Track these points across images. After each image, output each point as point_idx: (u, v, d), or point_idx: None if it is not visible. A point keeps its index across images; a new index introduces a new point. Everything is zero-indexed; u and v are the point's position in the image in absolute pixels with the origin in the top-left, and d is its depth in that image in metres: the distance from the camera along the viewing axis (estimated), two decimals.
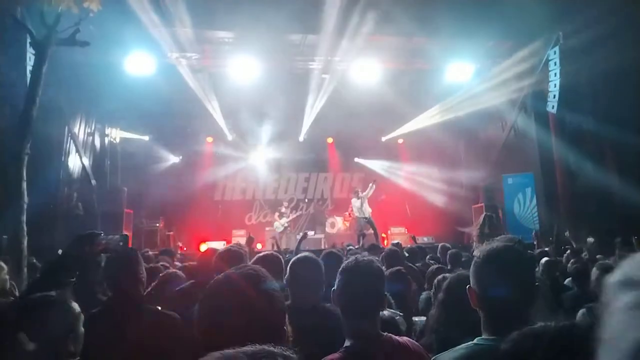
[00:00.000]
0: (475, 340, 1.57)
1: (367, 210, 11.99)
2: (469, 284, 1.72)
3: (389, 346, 1.78)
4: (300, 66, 11.30)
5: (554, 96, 9.85)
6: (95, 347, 1.98)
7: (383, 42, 10.74)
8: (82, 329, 1.91)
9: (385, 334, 1.82)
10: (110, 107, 11.21)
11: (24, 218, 4.35)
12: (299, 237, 8.45)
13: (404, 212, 14.02)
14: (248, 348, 0.85)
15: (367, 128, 13.77)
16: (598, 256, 4.68)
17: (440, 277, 3.11)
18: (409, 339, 1.91)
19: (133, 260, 2.62)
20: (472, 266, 1.66)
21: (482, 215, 4.18)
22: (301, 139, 14.38)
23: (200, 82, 11.47)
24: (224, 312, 1.19)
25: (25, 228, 4.29)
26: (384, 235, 12.91)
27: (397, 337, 1.84)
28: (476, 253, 1.70)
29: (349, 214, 12.96)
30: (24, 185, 4.43)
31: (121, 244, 2.65)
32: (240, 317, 1.17)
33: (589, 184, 9.03)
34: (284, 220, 13.12)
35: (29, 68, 7.37)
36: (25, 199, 4.40)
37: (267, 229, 13.56)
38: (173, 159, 14.06)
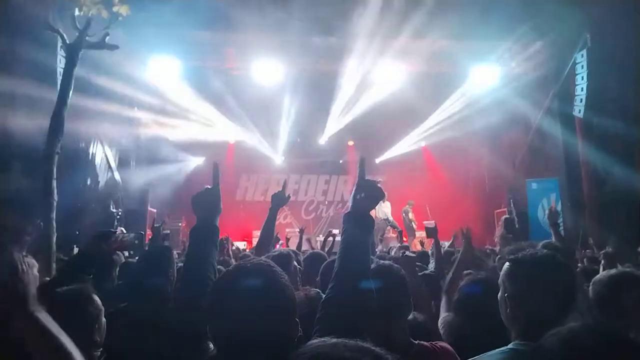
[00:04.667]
0: (511, 345, 1.56)
1: (385, 211, 11.99)
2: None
3: (422, 354, 1.78)
4: (324, 69, 11.32)
5: (581, 100, 9.63)
6: (118, 342, 2.03)
7: (406, 45, 10.68)
8: (104, 321, 1.98)
9: (417, 342, 1.81)
10: (135, 108, 11.44)
11: (54, 215, 4.49)
12: (319, 239, 8.49)
13: (425, 214, 13.88)
14: (345, 342, 0.84)
15: (389, 131, 13.74)
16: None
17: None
18: (443, 343, 1.89)
19: (164, 258, 2.65)
20: (506, 273, 1.65)
21: (502, 219, 4.14)
22: (322, 142, 14.42)
23: (223, 84, 11.62)
24: (235, 302, 1.20)
25: (54, 225, 4.43)
26: (405, 239, 12.82)
27: (427, 344, 1.82)
28: (509, 259, 1.67)
29: None
30: (54, 183, 4.58)
31: (136, 242, 2.69)
32: (251, 309, 1.19)
33: (617, 190, 8.79)
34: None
35: (59, 70, 7.62)
36: (55, 196, 4.55)
37: (287, 230, 13.61)
38: (196, 160, 14.27)
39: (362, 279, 1.40)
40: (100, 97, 9.47)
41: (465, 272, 3.03)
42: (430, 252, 6.86)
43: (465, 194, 13.95)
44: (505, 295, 1.62)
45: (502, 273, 1.68)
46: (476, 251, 5.74)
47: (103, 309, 1.95)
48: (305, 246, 6.90)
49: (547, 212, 3.81)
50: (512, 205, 10.48)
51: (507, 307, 1.60)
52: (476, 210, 13.05)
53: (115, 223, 8.84)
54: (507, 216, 4.56)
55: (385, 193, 11.10)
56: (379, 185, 1.51)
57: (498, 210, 12.39)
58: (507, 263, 1.67)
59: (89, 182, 9.75)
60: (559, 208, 10.25)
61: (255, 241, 12.64)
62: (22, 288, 1.20)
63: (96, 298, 1.97)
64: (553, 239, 3.68)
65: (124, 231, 2.49)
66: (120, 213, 9.57)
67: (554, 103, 10.68)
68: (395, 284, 1.84)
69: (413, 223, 12.92)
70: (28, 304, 1.21)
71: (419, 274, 3.24)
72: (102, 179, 10.48)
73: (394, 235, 12.41)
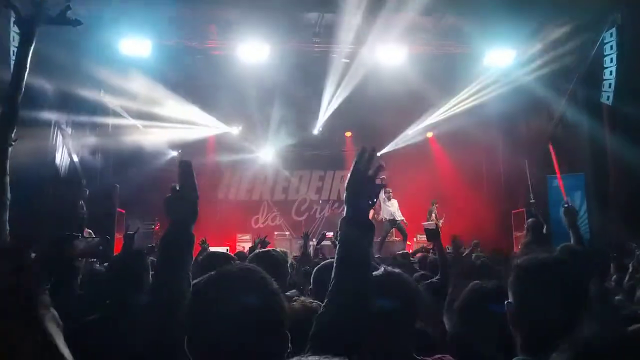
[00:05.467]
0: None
1: (389, 211, 12.01)
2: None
3: None
4: (317, 50, 11.28)
5: (610, 85, 9.67)
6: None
7: (410, 23, 10.67)
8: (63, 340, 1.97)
9: (420, 358, 1.83)
10: (103, 93, 11.35)
11: (7, 217, 4.43)
12: (311, 243, 8.48)
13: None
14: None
15: (391, 120, 13.75)
16: None
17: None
18: (448, 357, 1.91)
19: (138, 266, 2.68)
20: (512, 279, 1.68)
21: (529, 222, 4.14)
22: (316, 132, 14.40)
23: (204, 66, 11.55)
24: (218, 313, 1.21)
25: (7, 227, 4.36)
26: (408, 243, 12.87)
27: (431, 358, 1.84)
28: (518, 264, 1.70)
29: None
30: (7, 179, 4.49)
31: (101, 248, 2.69)
32: (235, 320, 1.19)
33: None
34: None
35: (12, 49, 7.52)
36: (8, 195, 4.48)
37: (275, 233, 13.60)
38: (171, 153, 14.20)
39: (361, 293, 1.41)
40: (62, 78, 9.40)
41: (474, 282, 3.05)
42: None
43: (478, 192, 14.00)
44: (507, 303, 1.65)
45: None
46: (483, 256, 5.82)
47: (62, 323, 1.94)
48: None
49: (563, 210, 3.82)
50: (532, 206, 10.53)
51: (510, 317, 1.64)
52: (490, 210, 13.10)
53: (82, 226, 8.77)
54: (533, 219, 4.55)
55: (390, 190, 11.03)
56: (372, 179, 1.48)
57: (515, 211, 12.45)
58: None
59: (46, 179, 9.66)
60: (584, 207, 10.34)
61: (238, 246, 12.67)
62: (30, 287, 1.17)
63: (53, 311, 1.95)
64: (572, 241, 3.72)
65: (93, 234, 2.49)
66: (85, 214, 9.53)
67: (579, 89, 10.72)
68: (403, 296, 1.86)
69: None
70: (35, 306, 1.17)
71: (425, 282, 3.26)
72: (63, 172, 10.39)
73: (398, 239, 12.48)
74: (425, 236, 11.91)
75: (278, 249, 3.41)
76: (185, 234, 1.63)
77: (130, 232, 4.69)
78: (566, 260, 1.71)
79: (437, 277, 3.98)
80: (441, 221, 13.02)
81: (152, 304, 1.57)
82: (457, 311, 2.28)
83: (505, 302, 1.66)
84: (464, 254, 6.34)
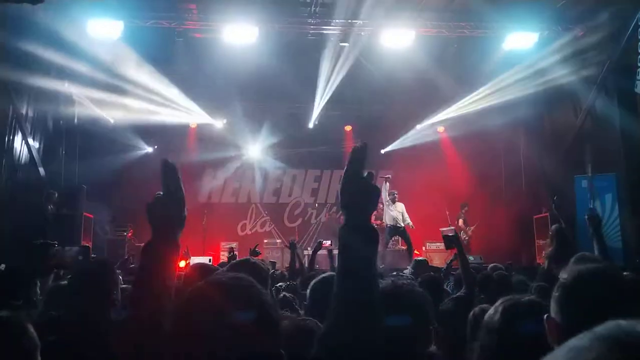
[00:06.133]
0: None
1: (391, 216, 11.97)
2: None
3: None
4: (312, 32, 11.25)
5: None
6: None
7: (418, 2, 10.68)
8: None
9: None
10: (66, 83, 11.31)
11: None
12: (306, 252, 8.48)
13: (444, 221, 13.91)
14: None
15: (397, 113, 13.75)
16: None
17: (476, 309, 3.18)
18: None
19: (104, 277, 2.66)
20: (557, 292, 1.68)
21: (553, 229, 4.12)
22: (311, 125, 14.38)
23: (184, 50, 11.53)
24: (206, 327, 1.20)
25: None
26: (417, 252, 12.85)
27: None
28: (563, 276, 1.69)
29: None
30: None
31: (80, 257, 2.71)
32: (227, 334, 1.18)
33: None
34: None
35: None
36: None
37: (265, 240, 13.56)
38: (145, 148, 14.13)
39: (367, 310, 1.41)
40: (21, 67, 9.36)
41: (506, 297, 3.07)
42: (445, 266, 6.95)
43: (495, 194, 14.01)
44: (546, 318, 1.67)
45: None
46: (501, 267, 5.86)
47: (39, 344, 1.95)
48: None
49: (586, 217, 3.91)
50: (554, 208, 10.53)
51: (554, 335, 1.63)
52: (510, 214, 13.12)
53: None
54: (558, 225, 4.61)
55: (396, 192, 11.01)
56: (369, 179, 1.46)
57: (538, 216, 12.46)
58: None
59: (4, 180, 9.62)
60: (616, 211, 10.37)
61: (223, 255, 12.63)
62: None
63: (31, 329, 1.96)
64: (595, 251, 3.80)
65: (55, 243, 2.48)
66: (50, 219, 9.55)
67: (610, 78, 10.75)
68: (416, 312, 1.86)
69: (463, 232, 12.84)
70: None
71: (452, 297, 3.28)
72: (23, 176, 10.35)
73: (404, 248, 12.42)
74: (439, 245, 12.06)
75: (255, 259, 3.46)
76: (171, 242, 1.64)
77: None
78: (619, 272, 1.71)
79: (462, 290, 4.11)
80: (471, 229, 12.93)
81: (130, 320, 1.57)
82: (487, 331, 2.26)
83: (545, 317, 1.67)
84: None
